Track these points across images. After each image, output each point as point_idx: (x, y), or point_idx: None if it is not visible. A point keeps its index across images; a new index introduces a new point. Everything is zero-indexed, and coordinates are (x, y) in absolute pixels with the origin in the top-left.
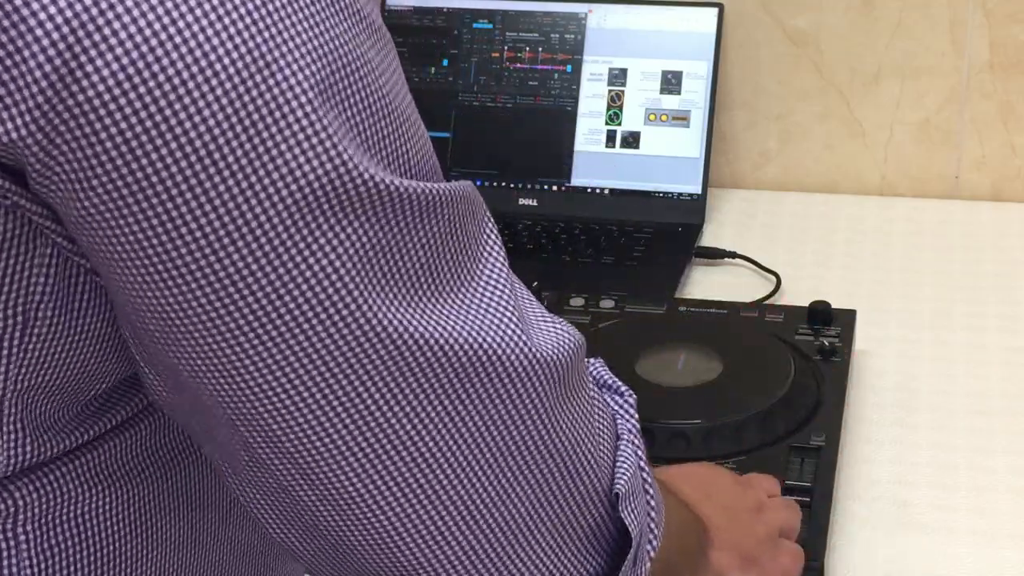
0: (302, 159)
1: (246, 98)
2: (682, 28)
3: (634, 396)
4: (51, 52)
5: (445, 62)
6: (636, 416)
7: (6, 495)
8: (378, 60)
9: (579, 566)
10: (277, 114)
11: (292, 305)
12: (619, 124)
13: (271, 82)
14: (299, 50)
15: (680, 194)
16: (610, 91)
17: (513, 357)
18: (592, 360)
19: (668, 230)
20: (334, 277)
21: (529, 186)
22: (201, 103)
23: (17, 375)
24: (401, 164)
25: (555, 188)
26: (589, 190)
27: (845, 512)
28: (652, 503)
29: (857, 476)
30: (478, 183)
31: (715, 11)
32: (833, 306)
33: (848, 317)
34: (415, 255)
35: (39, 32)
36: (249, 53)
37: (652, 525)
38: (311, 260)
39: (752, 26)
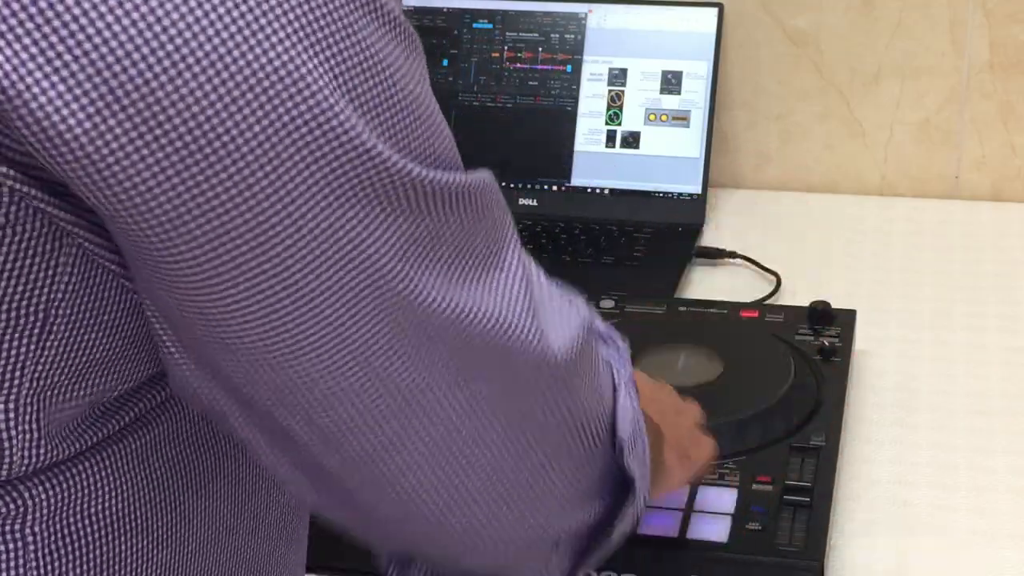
0: (327, 151)
1: (263, 98)
2: (682, 28)
3: (626, 341)
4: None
5: (445, 62)
6: (630, 363)
7: (16, 495)
8: (398, 55)
9: (587, 513)
10: (295, 112)
11: (330, 290)
12: (619, 124)
13: (288, 81)
14: (316, 46)
15: (680, 194)
16: (610, 91)
17: (524, 348)
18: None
19: (668, 230)
20: (367, 263)
21: (529, 186)
22: (226, 102)
23: (34, 373)
24: (427, 156)
25: (555, 188)
26: (589, 190)
27: (845, 512)
28: (646, 446)
29: (857, 476)
30: None
31: (715, 11)
32: (833, 306)
33: (848, 317)
34: (448, 242)
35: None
36: (265, 53)
37: (646, 468)
38: (348, 247)
39: (752, 26)
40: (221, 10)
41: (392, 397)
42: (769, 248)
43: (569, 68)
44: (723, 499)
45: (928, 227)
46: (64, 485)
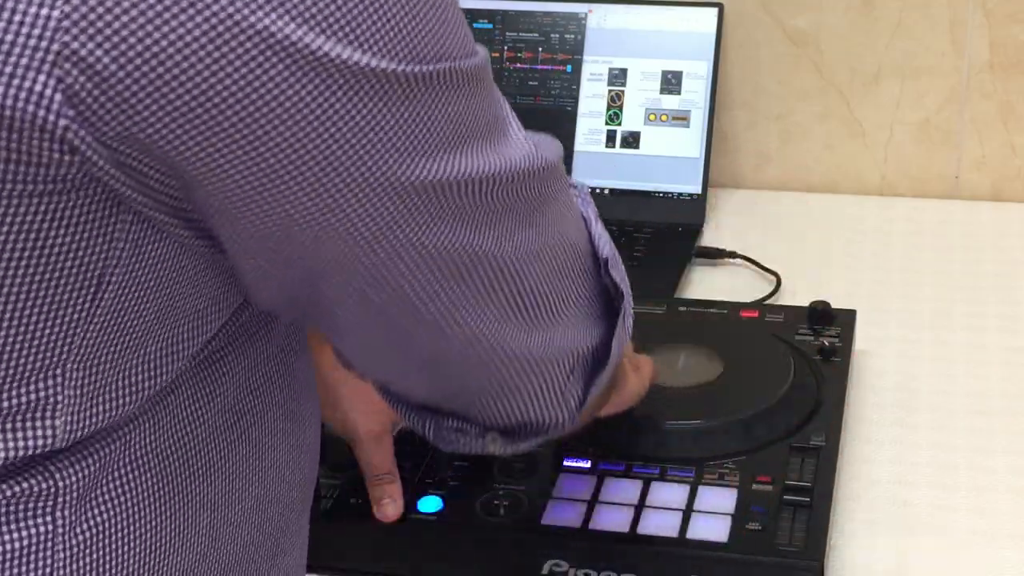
0: (275, 63)
1: (221, 28)
2: (682, 28)
3: (587, 187)
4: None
5: None
6: (592, 203)
7: (47, 475)
8: None
9: (591, 334)
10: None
11: (334, 172)
12: (619, 124)
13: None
14: None
15: (680, 194)
16: (610, 91)
17: (535, 169)
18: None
19: (668, 230)
20: (359, 148)
21: None
22: (189, 27)
23: (83, 340)
24: (384, 45)
25: None
26: (589, 190)
27: (845, 512)
28: (622, 267)
29: (857, 476)
30: None
31: (715, 11)
32: (833, 306)
33: (848, 317)
34: (440, 127)
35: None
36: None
37: (628, 284)
38: (348, 135)
39: (752, 26)
40: None
41: (438, 262)
42: (769, 248)
43: (569, 68)
44: (723, 499)
45: (928, 227)
46: (89, 464)
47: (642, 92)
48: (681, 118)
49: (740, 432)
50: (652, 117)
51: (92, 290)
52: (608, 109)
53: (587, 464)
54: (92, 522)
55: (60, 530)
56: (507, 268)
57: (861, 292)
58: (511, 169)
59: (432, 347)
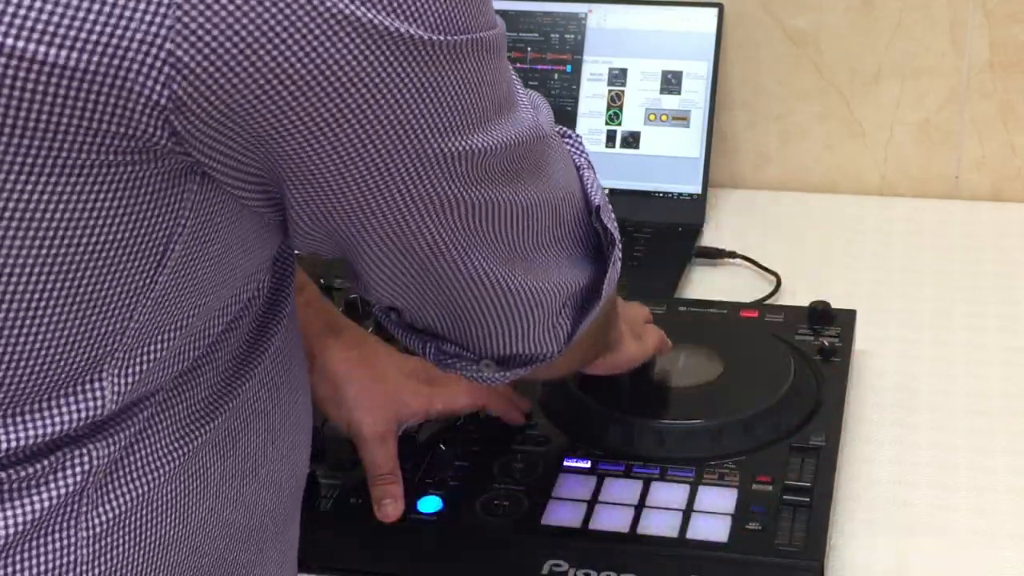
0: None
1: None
2: (682, 28)
3: (580, 136)
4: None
5: None
6: (587, 152)
7: (81, 453)
8: None
9: (583, 273)
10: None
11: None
12: (619, 124)
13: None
14: None
15: (680, 194)
16: (610, 91)
17: (539, 135)
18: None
19: (668, 230)
20: (391, 112)
21: None
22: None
23: (143, 306)
24: (420, 15)
25: None
26: None
27: (845, 512)
28: (612, 214)
29: (857, 476)
30: None
31: (715, 11)
32: (833, 306)
33: (848, 317)
34: (460, 96)
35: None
36: None
37: (617, 230)
38: (381, 99)
39: (752, 26)
40: None
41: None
42: (769, 248)
43: (569, 68)
44: (723, 499)
45: (928, 227)
46: (115, 441)
47: (642, 92)
48: (681, 118)
49: (740, 432)
50: (652, 117)
51: (158, 257)
52: (608, 109)
53: (587, 464)
54: (113, 504)
55: (84, 509)
56: (513, 215)
57: (861, 292)
58: (521, 136)
59: (444, 282)
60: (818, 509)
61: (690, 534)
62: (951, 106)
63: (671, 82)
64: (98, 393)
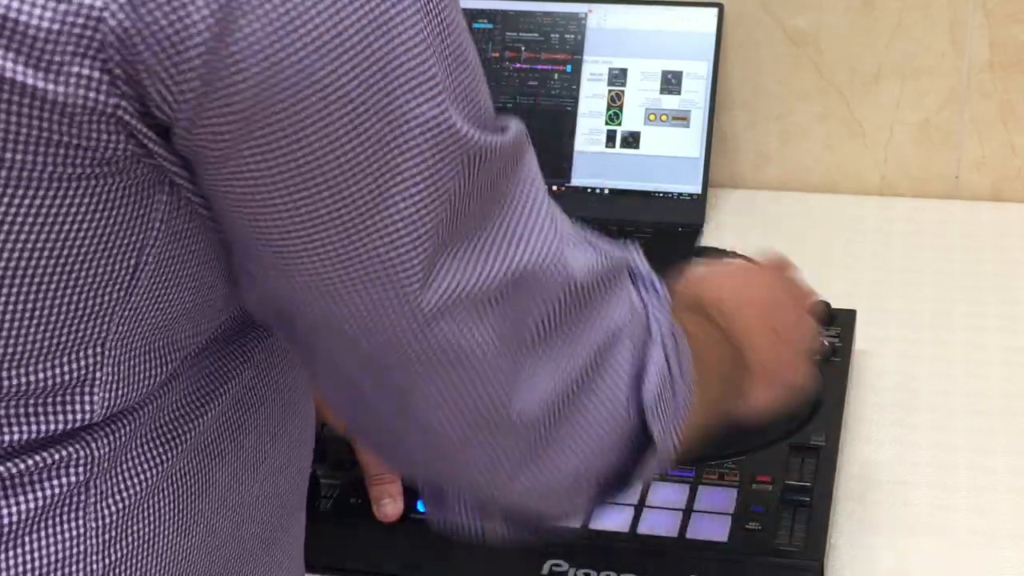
0: (417, 108)
1: (368, 51)
2: (682, 28)
3: (664, 284)
4: (207, 12)
5: None
6: (669, 309)
7: (84, 444)
8: (455, 8)
9: (606, 462)
10: (396, 63)
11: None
12: (619, 124)
13: (392, 35)
14: (413, 6)
15: (680, 194)
16: (610, 91)
17: (552, 271)
18: (629, 246)
19: (668, 230)
20: (407, 226)
21: None
22: (333, 56)
23: (121, 319)
24: (476, 114)
25: (555, 188)
26: (589, 190)
27: (845, 512)
28: (681, 400)
29: (857, 476)
30: None
31: (715, 11)
32: (833, 306)
33: (848, 317)
34: (474, 206)
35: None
36: (370, 11)
37: (676, 425)
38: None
39: (752, 26)
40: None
41: (422, 342)
42: (769, 248)
43: (569, 68)
44: (723, 499)
45: (928, 227)
46: (120, 435)
47: (642, 92)
48: (681, 118)
49: (740, 432)
50: (652, 117)
51: (131, 270)
52: (608, 109)
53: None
54: (122, 495)
55: (92, 500)
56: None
57: (861, 292)
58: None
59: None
60: (818, 509)
61: (690, 534)
62: (951, 106)
63: (671, 82)
64: (87, 397)
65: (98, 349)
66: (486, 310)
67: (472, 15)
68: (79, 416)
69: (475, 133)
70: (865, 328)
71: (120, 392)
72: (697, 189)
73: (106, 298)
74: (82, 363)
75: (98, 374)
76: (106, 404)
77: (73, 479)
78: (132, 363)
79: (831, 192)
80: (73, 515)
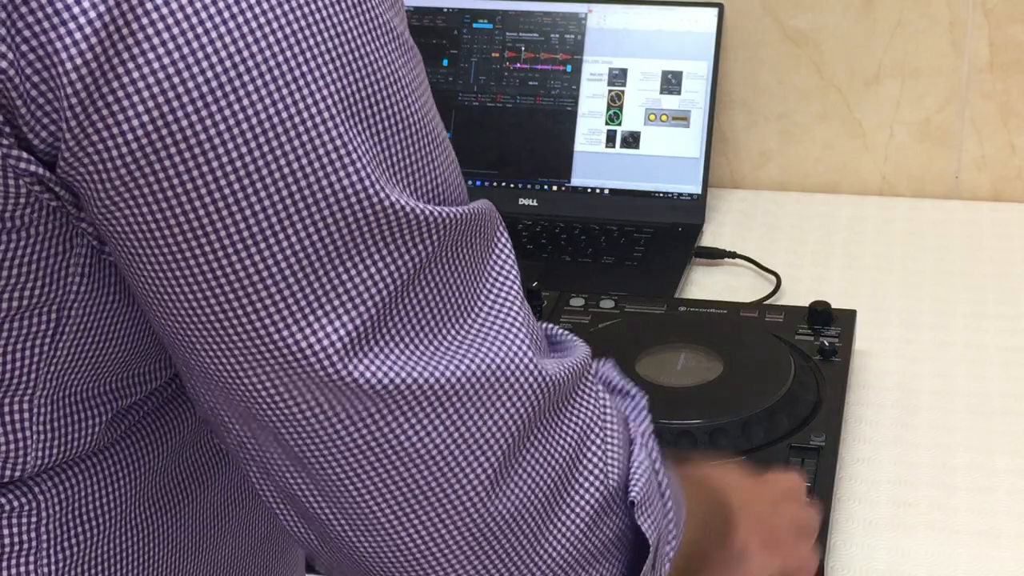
0: (323, 178)
1: (271, 110)
2: (682, 28)
3: (646, 397)
4: (85, 47)
5: (445, 62)
6: (649, 418)
7: (26, 490)
8: (409, 78)
9: (596, 571)
10: (301, 128)
11: (283, 339)
12: (619, 124)
13: (297, 96)
14: (327, 66)
15: (680, 194)
16: (610, 91)
17: (520, 375)
18: (602, 361)
19: (668, 230)
20: (331, 313)
21: (529, 186)
22: (227, 112)
23: (48, 373)
24: (425, 187)
25: (555, 188)
26: (589, 190)
27: (845, 512)
28: (670, 504)
29: (857, 476)
30: (478, 183)
31: (715, 11)
32: (833, 306)
33: (848, 317)
34: (423, 293)
35: (73, 26)
36: (277, 67)
37: (671, 527)
38: (316, 287)
39: (752, 26)
40: (228, 22)
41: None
42: (769, 248)
43: (569, 68)
44: None
45: (928, 227)
46: (73, 482)
47: (642, 92)
48: (681, 118)
49: (740, 432)
50: (652, 117)
51: (52, 325)
52: (608, 109)
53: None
54: (78, 537)
55: (45, 545)
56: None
57: (861, 292)
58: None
59: (365, 548)
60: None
61: None
62: (951, 106)
63: (671, 82)
64: (17, 455)
65: (25, 406)
66: (436, 409)
67: (472, 15)
68: (6, 472)
69: (412, 205)
70: (865, 328)
71: (54, 447)
72: (697, 189)
73: (28, 353)
74: (8, 419)
75: (27, 432)
76: (38, 460)
77: (24, 528)
78: (67, 418)
79: (831, 192)
80: (24, 559)
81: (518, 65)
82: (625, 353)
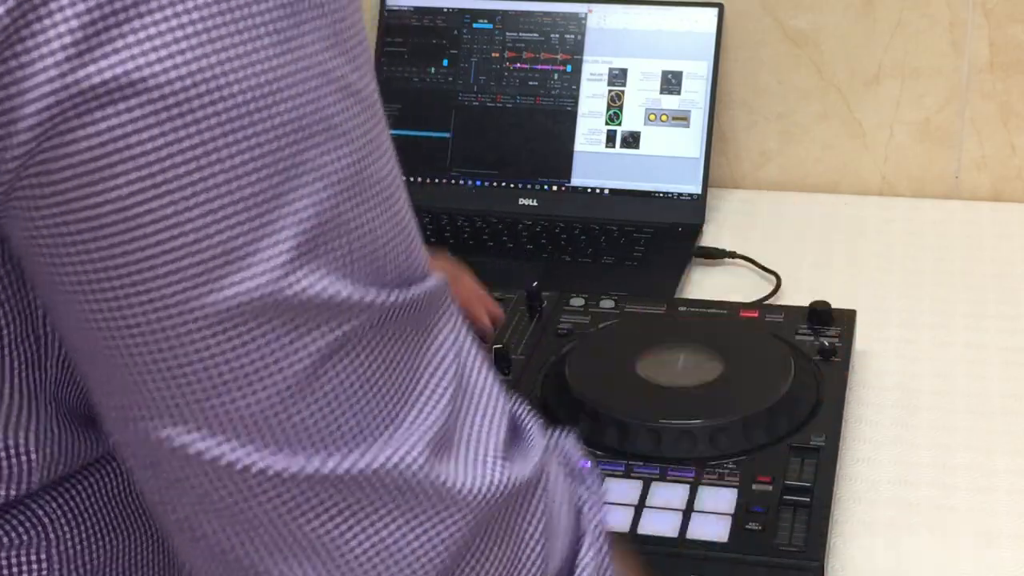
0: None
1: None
2: (682, 28)
3: (601, 478)
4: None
5: (445, 62)
6: (603, 512)
7: (30, 514)
8: (364, 135)
9: None
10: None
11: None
12: (619, 124)
13: (220, 190)
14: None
15: (680, 194)
16: (610, 91)
17: (417, 484)
18: (564, 434)
19: (668, 230)
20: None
21: (529, 186)
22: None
23: (46, 396)
24: (396, 277)
25: (555, 188)
26: (589, 190)
27: (845, 512)
28: None
29: (857, 476)
30: (478, 183)
31: (715, 11)
32: (833, 306)
33: (848, 317)
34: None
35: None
36: (204, 155)
37: None
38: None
39: (752, 26)
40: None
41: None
42: (769, 248)
43: (569, 68)
44: (723, 499)
45: (928, 227)
46: (75, 492)
47: (642, 92)
48: (681, 118)
49: (740, 432)
50: (652, 117)
51: (34, 348)
52: (608, 109)
53: (587, 464)
54: (89, 552)
55: (56, 566)
56: None
57: (861, 292)
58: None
59: None
60: (818, 509)
61: (690, 534)
62: (951, 106)
63: (671, 82)
64: (25, 474)
65: (31, 433)
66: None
67: (472, 15)
68: (15, 492)
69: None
70: (865, 328)
71: (60, 461)
72: (697, 189)
73: (22, 376)
74: (14, 450)
75: (32, 455)
76: (44, 477)
77: (27, 558)
78: (66, 431)
79: (831, 192)
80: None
81: (518, 65)
82: (625, 353)
